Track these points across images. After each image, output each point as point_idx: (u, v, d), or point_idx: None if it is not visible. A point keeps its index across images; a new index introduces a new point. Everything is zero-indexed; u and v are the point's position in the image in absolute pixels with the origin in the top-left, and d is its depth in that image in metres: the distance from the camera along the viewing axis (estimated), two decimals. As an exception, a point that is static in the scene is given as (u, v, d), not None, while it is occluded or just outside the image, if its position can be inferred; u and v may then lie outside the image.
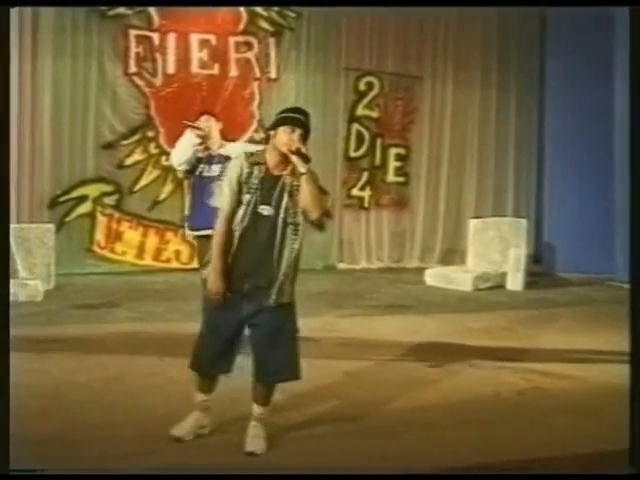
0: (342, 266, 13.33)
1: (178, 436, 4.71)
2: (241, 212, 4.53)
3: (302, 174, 4.50)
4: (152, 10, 12.01)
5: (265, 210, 4.52)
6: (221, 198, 4.59)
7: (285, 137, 4.54)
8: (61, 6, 11.14)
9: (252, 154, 4.66)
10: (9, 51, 4.30)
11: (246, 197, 4.53)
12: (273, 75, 12.82)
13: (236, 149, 5.92)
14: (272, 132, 4.63)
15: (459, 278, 11.54)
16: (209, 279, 4.58)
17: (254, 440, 4.64)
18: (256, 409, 4.75)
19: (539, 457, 4.73)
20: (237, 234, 4.54)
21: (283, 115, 4.69)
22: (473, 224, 12.52)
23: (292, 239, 4.57)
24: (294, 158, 4.50)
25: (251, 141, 12.70)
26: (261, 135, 12.75)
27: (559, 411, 5.64)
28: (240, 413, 4.93)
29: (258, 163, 4.59)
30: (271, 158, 4.60)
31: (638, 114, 4.53)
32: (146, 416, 5.24)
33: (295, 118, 4.67)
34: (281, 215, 4.53)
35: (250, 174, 4.55)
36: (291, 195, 4.56)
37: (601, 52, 12.77)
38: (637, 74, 4.58)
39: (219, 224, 4.57)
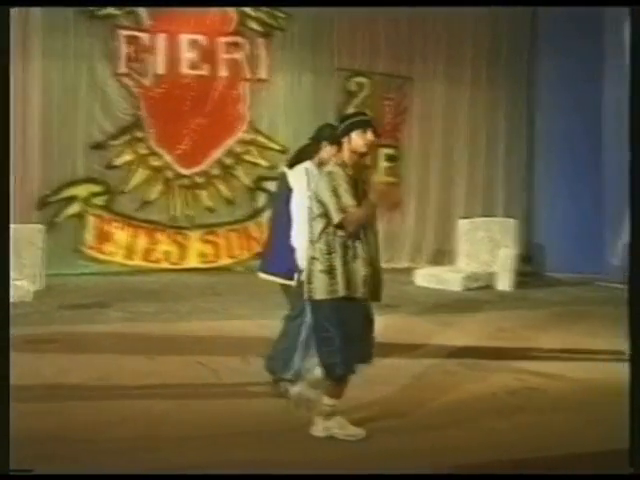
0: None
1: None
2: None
3: (367, 168, 4.83)
4: (141, 11, 12.01)
5: None
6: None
7: (361, 140, 4.82)
8: (61, 6, 11.19)
9: (343, 163, 4.82)
10: (9, 51, 4.30)
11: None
12: (263, 76, 12.84)
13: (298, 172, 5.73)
14: (345, 139, 4.86)
15: (449, 278, 11.57)
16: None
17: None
18: (325, 400, 4.93)
19: (531, 457, 4.74)
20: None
21: (352, 120, 4.95)
22: (463, 224, 12.55)
23: None
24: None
25: (241, 142, 12.76)
26: (251, 136, 12.80)
27: (551, 411, 5.67)
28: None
29: (345, 166, 4.80)
30: (350, 162, 4.83)
31: (638, 115, 4.54)
32: (140, 416, 5.24)
33: (364, 120, 4.96)
34: None
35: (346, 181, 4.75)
36: (365, 193, 4.79)
37: (590, 52, 12.85)
38: (637, 74, 4.59)
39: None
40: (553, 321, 9.24)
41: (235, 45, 12.66)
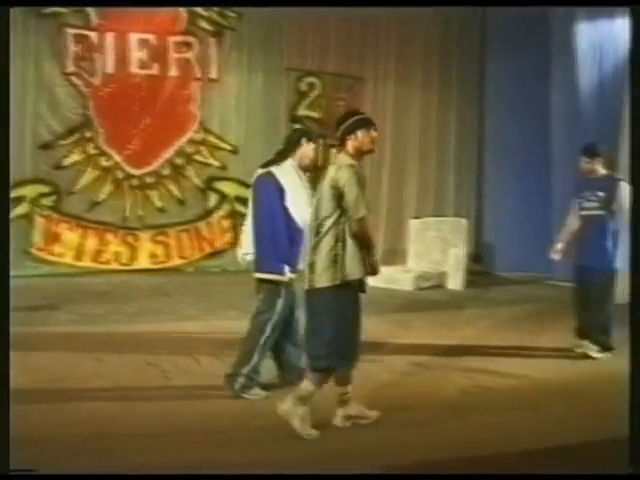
0: (285, 266, 13.32)
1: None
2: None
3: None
4: (90, 9, 11.88)
5: None
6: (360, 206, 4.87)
7: (367, 137, 5.01)
8: (61, 6, 11.11)
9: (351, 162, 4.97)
10: (9, 51, 4.26)
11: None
12: (214, 75, 12.79)
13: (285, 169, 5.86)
14: (351, 136, 5.00)
15: (400, 278, 11.63)
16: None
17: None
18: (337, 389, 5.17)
19: (483, 455, 4.78)
20: None
21: (356, 118, 5.07)
22: (414, 224, 12.63)
23: None
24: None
25: (191, 142, 12.68)
26: (202, 136, 12.74)
27: (502, 408, 5.72)
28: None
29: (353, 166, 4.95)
30: (356, 159, 5.01)
31: (638, 116, 4.58)
32: (91, 417, 5.20)
33: (367, 119, 5.11)
34: None
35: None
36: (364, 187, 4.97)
37: (539, 52, 12.99)
38: (637, 74, 4.62)
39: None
40: (503, 320, 9.34)
41: (186, 44, 12.59)
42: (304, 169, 5.90)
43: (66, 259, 12.01)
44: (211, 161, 12.84)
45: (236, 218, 12.96)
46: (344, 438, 4.99)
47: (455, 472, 4.50)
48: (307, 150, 5.85)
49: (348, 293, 4.95)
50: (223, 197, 12.94)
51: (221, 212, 12.93)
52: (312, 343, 5.01)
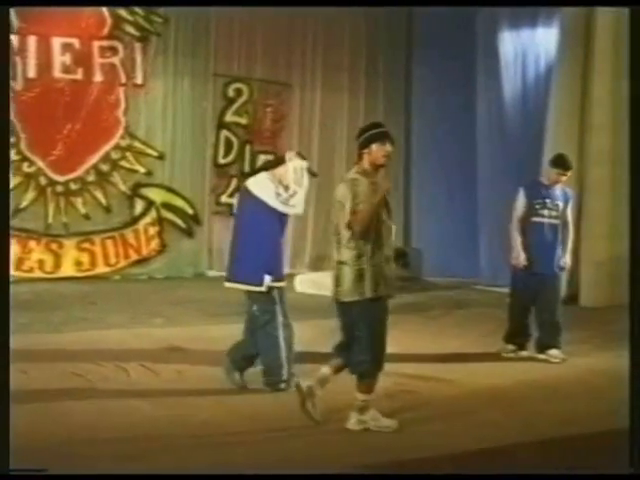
0: (212, 274, 13.25)
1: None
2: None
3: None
4: (10, 12, 11.64)
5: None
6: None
7: (381, 151, 5.24)
8: (61, 6, 11.00)
9: (364, 171, 5.22)
10: (9, 51, 4.15)
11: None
12: (139, 81, 12.65)
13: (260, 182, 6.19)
14: (366, 150, 5.22)
15: (329, 284, 11.59)
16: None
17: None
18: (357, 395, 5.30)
19: (409, 459, 4.82)
20: None
21: (371, 132, 5.27)
22: (342, 230, 12.65)
23: None
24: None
25: (117, 148, 12.53)
26: (127, 142, 12.60)
27: (429, 414, 5.77)
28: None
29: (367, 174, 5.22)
30: (370, 171, 5.22)
31: (637, 117, 4.63)
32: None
33: (383, 132, 5.31)
34: None
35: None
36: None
37: (465, 57, 13.19)
38: (637, 74, 4.67)
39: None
40: (431, 325, 9.43)
41: (110, 49, 12.43)
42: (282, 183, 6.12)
43: (-13, 268, 11.74)
44: (137, 167, 12.70)
45: (163, 225, 12.87)
46: (267, 445, 4.97)
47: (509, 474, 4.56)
48: (286, 170, 6.11)
49: (379, 302, 5.19)
50: (150, 204, 12.81)
51: (147, 219, 12.79)
52: (354, 352, 5.23)
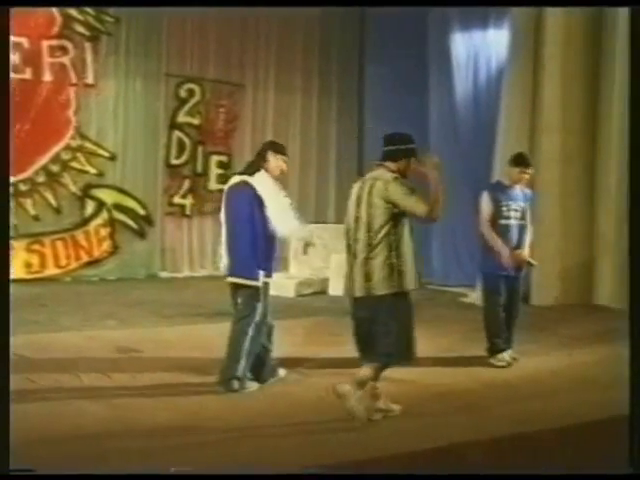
0: (165, 275, 13.23)
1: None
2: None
3: None
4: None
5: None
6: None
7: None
8: (61, 6, 10.94)
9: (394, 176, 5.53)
10: (9, 51, 4.09)
11: None
12: (90, 81, 12.55)
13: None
14: (398, 162, 5.62)
15: (282, 284, 11.63)
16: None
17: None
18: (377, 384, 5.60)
19: (365, 459, 4.85)
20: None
21: (404, 147, 5.69)
22: (295, 230, 12.66)
23: None
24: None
25: (67, 148, 12.42)
26: (78, 142, 12.50)
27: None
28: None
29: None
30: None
31: (637, 117, 4.66)
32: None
33: (412, 149, 5.75)
34: None
35: None
36: None
37: (417, 58, 13.29)
38: (637, 74, 4.70)
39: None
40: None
41: (60, 49, 12.32)
42: (276, 179, 6.33)
43: None
44: (88, 168, 12.60)
45: (114, 226, 12.79)
46: (211, 448, 4.97)
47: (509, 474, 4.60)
48: (277, 162, 6.36)
49: (405, 295, 5.47)
50: (101, 205, 12.72)
51: (99, 220, 12.70)
52: (380, 343, 5.42)
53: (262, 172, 6.26)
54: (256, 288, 6.15)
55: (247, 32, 13.85)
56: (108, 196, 12.78)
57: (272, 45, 14.09)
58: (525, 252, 7.55)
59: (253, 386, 6.21)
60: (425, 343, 8.19)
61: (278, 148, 6.50)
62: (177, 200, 13.51)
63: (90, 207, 12.64)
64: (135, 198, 13.03)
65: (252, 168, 6.31)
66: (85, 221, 12.62)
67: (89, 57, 12.49)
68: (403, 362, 5.60)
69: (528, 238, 7.61)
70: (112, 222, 12.79)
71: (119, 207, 12.88)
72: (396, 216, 5.37)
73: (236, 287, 6.28)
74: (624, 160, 10.87)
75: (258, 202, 6.15)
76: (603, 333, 8.92)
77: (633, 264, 4.65)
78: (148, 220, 13.15)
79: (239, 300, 6.25)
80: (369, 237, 5.39)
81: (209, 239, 13.65)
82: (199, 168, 13.67)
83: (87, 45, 12.49)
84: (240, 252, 6.25)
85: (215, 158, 13.79)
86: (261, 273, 6.14)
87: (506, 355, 7.37)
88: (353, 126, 14.80)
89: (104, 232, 12.75)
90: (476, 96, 12.96)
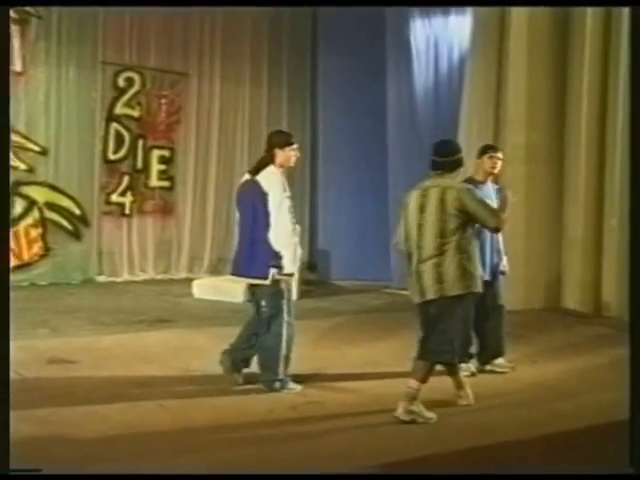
0: (102, 279, 13.07)
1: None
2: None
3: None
4: None
5: None
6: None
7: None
8: (61, 6, 10.99)
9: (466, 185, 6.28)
10: (9, 51, 3.99)
11: None
12: (18, 68, 12.23)
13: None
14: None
15: (230, 289, 11.54)
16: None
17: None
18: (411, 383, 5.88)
19: (316, 473, 4.84)
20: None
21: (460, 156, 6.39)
22: (244, 231, 12.61)
23: None
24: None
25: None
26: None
27: (335, 426, 5.78)
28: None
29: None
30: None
31: (637, 117, 4.75)
32: None
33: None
34: None
35: None
36: None
37: (374, 49, 13.30)
38: (637, 74, 4.80)
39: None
40: (338, 330, 9.44)
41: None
42: (287, 171, 6.61)
43: None
44: (17, 164, 12.33)
45: (46, 226, 12.59)
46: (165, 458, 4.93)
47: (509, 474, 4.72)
48: (286, 155, 6.51)
49: (470, 297, 5.98)
50: (31, 203, 12.47)
51: (29, 220, 12.45)
52: (434, 340, 5.92)
53: (269, 168, 6.47)
54: (278, 287, 6.37)
55: (190, 20, 13.63)
56: (39, 194, 12.55)
57: (218, 34, 13.95)
58: (503, 256, 7.59)
59: (296, 388, 6.52)
60: (383, 350, 8.31)
61: (282, 142, 6.58)
62: (115, 198, 13.35)
63: (19, 206, 12.38)
64: (69, 196, 12.82)
65: (259, 165, 6.55)
66: (14, 221, 12.38)
67: (17, 42, 12.18)
68: (455, 360, 6.12)
69: (501, 239, 7.59)
70: (44, 222, 12.56)
71: (51, 206, 12.67)
72: (466, 222, 5.91)
73: (257, 290, 6.50)
74: (592, 159, 11.03)
75: (263, 200, 6.37)
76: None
77: (633, 265, 4.82)
78: (83, 220, 12.97)
79: (262, 302, 6.45)
80: (440, 242, 5.88)
81: (150, 240, 13.55)
82: (139, 163, 13.53)
83: (15, 29, 12.24)
84: (245, 250, 6.53)
85: (156, 153, 13.65)
86: (272, 271, 6.29)
87: (471, 365, 7.37)
88: (305, 118, 14.78)
89: (35, 233, 12.53)
90: (437, 87, 12.98)
